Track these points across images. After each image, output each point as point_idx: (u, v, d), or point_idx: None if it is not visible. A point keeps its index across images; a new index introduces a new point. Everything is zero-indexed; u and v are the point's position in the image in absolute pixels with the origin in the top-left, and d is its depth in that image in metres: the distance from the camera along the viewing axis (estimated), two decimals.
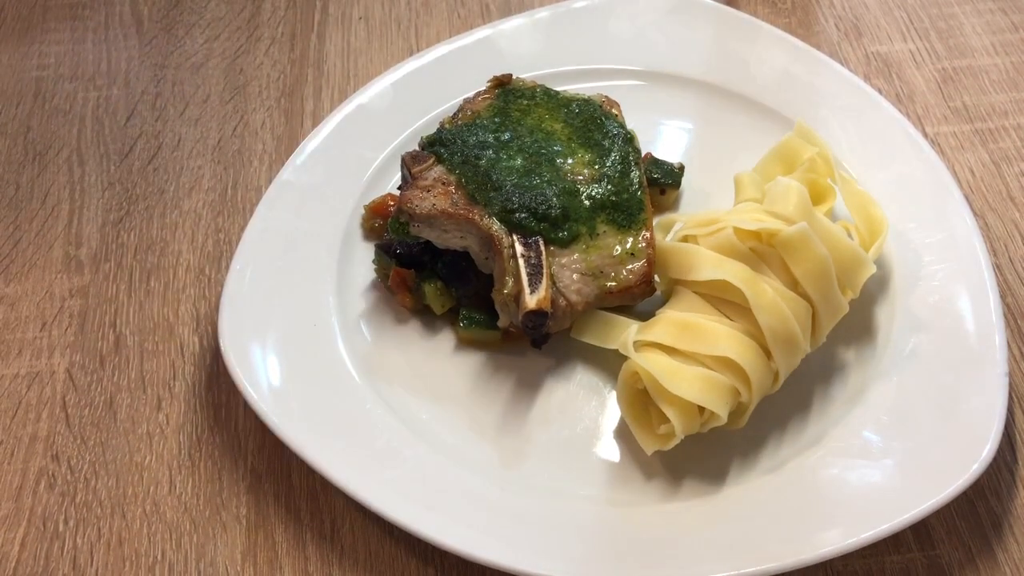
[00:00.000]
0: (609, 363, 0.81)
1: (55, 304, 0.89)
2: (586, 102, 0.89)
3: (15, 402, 0.83)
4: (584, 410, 0.80)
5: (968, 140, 0.98)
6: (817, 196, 0.84)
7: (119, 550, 0.75)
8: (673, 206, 0.92)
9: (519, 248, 0.79)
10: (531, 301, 0.76)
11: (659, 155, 0.93)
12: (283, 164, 0.92)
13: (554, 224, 0.80)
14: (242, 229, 0.87)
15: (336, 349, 0.82)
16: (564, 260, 0.80)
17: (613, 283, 0.79)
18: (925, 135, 0.95)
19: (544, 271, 0.78)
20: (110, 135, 1.03)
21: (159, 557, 0.74)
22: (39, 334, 0.88)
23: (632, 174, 0.84)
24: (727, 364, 0.73)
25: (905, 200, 0.87)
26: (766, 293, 0.74)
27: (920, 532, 0.73)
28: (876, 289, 0.83)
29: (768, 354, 0.74)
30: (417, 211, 0.81)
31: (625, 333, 0.76)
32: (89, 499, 0.77)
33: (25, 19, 1.16)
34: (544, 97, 0.90)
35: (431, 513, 0.71)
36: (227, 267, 0.85)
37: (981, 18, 1.09)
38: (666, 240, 0.83)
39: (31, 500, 0.78)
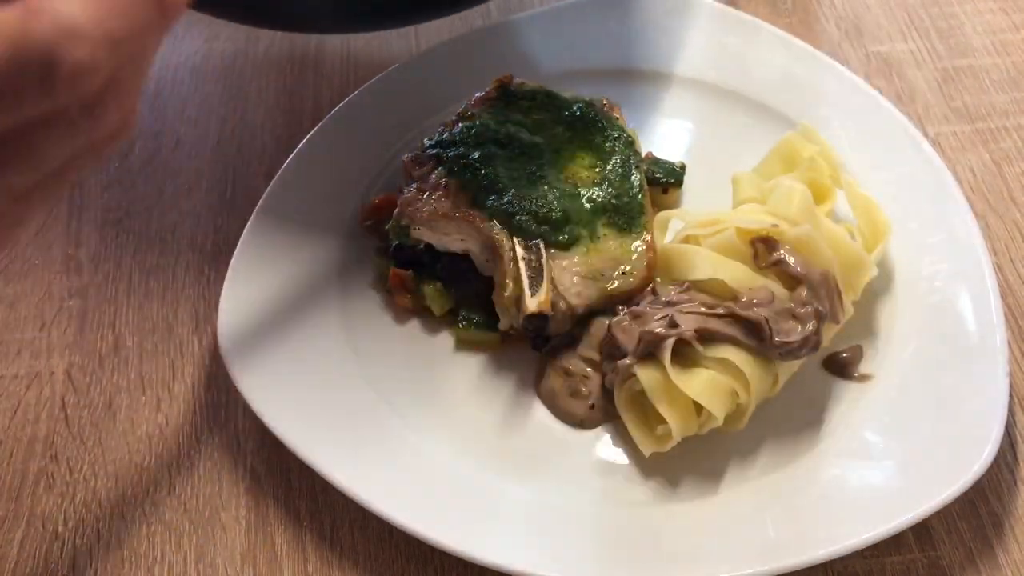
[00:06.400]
0: None
1: (54, 304, 0.89)
2: (587, 104, 0.89)
3: (14, 403, 0.83)
4: None
5: (969, 140, 0.98)
6: (818, 195, 0.84)
7: (118, 551, 0.75)
8: (675, 205, 0.92)
9: (520, 251, 0.78)
10: (532, 304, 0.76)
11: (660, 155, 0.93)
12: (283, 164, 0.92)
13: (554, 227, 0.80)
14: (242, 229, 0.87)
15: (336, 349, 0.82)
16: (565, 263, 0.79)
17: (614, 286, 0.79)
18: (926, 135, 0.95)
19: (545, 274, 0.77)
20: None
21: (158, 558, 0.74)
22: (38, 334, 0.87)
23: (633, 177, 0.84)
24: (726, 366, 0.73)
25: (906, 200, 0.87)
26: None
27: (921, 533, 0.73)
28: (876, 289, 0.83)
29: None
30: (418, 214, 0.80)
31: None
32: (88, 500, 0.77)
33: None
34: (545, 99, 0.89)
35: (431, 514, 0.71)
36: (227, 267, 0.85)
37: (982, 18, 1.09)
38: (667, 241, 0.83)
39: (30, 501, 0.77)
